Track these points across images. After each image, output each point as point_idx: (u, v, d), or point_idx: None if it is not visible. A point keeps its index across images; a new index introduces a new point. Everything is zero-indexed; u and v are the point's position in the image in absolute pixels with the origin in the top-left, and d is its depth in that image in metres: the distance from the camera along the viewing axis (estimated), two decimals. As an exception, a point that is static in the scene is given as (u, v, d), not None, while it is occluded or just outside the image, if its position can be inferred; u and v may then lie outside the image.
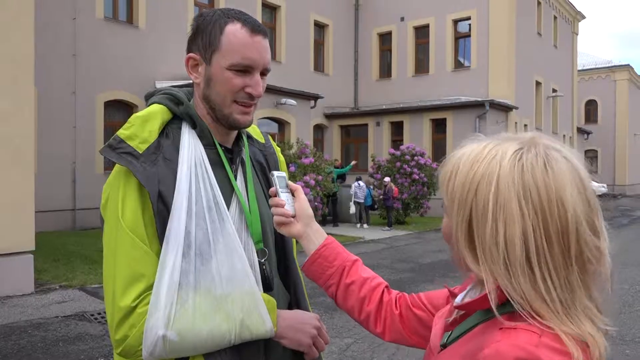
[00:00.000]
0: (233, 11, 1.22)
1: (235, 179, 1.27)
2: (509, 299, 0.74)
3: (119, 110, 13.89)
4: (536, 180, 0.74)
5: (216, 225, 1.17)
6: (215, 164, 1.23)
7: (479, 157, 0.79)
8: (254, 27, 1.20)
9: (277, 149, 1.48)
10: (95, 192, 12.99)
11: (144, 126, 1.17)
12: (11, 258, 6.19)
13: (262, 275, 1.24)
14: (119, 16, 13.88)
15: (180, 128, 1.23)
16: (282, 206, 1.18)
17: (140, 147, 1.14)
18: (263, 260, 1.25)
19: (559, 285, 0.72)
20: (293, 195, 1.24)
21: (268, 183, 1.36)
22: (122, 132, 1.16)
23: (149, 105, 1.25)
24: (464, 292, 0.89)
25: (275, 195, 1.20)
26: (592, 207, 0.75)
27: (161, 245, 1.11)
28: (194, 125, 1.24)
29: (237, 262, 1.17)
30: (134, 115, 1.19)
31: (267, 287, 1.24)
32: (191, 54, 1.22)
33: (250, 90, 1.20)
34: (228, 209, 1.21)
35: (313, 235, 1.20)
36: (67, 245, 9.79)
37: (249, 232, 1.25)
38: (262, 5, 17.79)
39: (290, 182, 1.25)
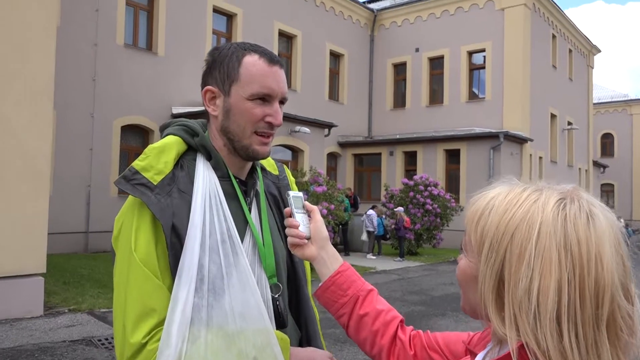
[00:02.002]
0: (248, 44, 1.24)
1: (249, 211, 1.25)
2: (529, 355, 0.69)
3: (136, 134, 14.06)
4: (578, 233, 0.71)
5: (230, 259, 1.14)
6: (230, 196, 1.22)
7: (517, 199, 0.76)
8: (271, 58, 1.21)
9: (292, 180, 1.46)
10: (108, 216, 13.13)
11: (159, 157, 1.16)
12: (22, 280, 6.19)
13: (275, 311, 1.21)
14: (138, 43, 14.17)
15: (195, 160, 1.22)
16: (297, 227, 1.16)
17: (155, 179, 1.13)
18: (277, 296, 1.22)
19: (584, 347, 0.68)
20: (309, 216, 1.20)
21: (281, 216, 1.34)
22: (137, 163, 1.15)
23: (164, 137, 1.24)
24: (484, 351, 0.84)
25: (290, 215, 1.18)
26: (626, 272, 0.73)
27: (173, 279, 1.09)
28: (208, 157, 1.23)
29: (251, 297, 1.14)
30: (149, 147, 1.18)
31: (280, 324, 1.21)
32: (209, 87, 1.23)
33: (271, 119, 1.20)
34: (242, 242, 1.19)
35: (328, 260, 1.16)
36: (78, 268, 9.79)
37: (263, 266, 1.22)
38: (278, 35, 18.09)
39: (306, 203, 1.22)
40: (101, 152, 12.93)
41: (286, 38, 18.70)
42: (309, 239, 1.17)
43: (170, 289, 1.08)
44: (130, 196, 1.14)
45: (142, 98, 13.77)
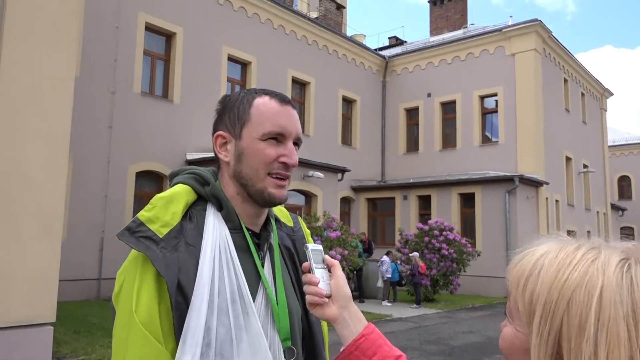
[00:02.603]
0: (259, 89, 1.21)
1: (263, 266, 1.16)
2: None
3: (150, 180, 14.15)
4: None
5: (240, 321, 1.04)
6: (241, 249, 1.13)
7: (571, 259, 0.65)
8: (282, 98, 1.18)
9: (307, 232, 1.36)
10: (122, 262, 13.03)
11: (167, 208, 1.09)
12: (30, 330, 6.06)
13: None
14: (155, 91, 14.46)
15: (205, 210, 1.14)
16: (316, 284, 1.04)
17: (161, 231, 1.05)
18: None
19: None
20: (330, 271, 1.09)
21: (297, 271, 1.25)
22: (142, 214, 1.07)
23: (173, 185, 1.17)
24: None
25: (309, 271, 1.07)
26: None
27: (177, 342, 0.99)
28: (219, 207, 1.15)
29: None
30: (157, 196, 1.11)
31: None
32: (219, 132, 1.18)
33: (285, 159, 1.13)
34: (254, 300, 1.09)
35: (351, 321, 1.04)
36: (89, 317, 9.64)
37: (276, 328, 1.12)
38: (292, 81, 18.38)
39: (327, 257, 1.11)
40: (116, 198, 12.99)
41: (299, 85, 18.99)
42: (329, 297, 1.06)
43: (173, 354, 0.99)
44: (133, 250, 1.06)
45: (157, 144, 13.92)
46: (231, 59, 16.33)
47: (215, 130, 1.19)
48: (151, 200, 1.10)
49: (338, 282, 1.07)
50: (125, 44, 13.46)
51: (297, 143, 1.18)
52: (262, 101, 1.16)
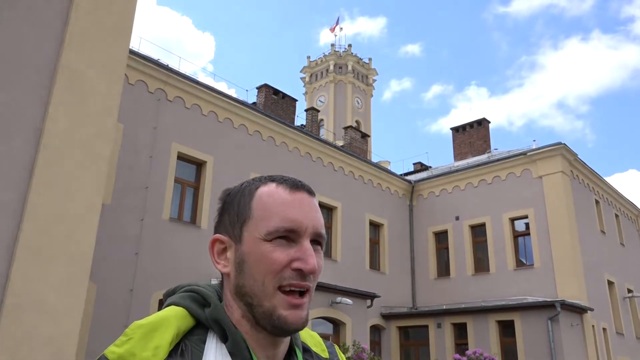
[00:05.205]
0: (265, 176, 0.96)
1: None
2: None
3: (173, 308, 13.74)
4: None
5: None
6: None
7: None
8: (293, 184, 0.92)
9: None
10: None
11: (147, 340, 0.80)
12: None
13: None
14: (183, 217, 14.61)
15: (204, 341, 0.85)
16: None
17: None
18: None
19: None
20: None
21: None
22: (112, 351, 0.80)
23: (165, 307, 0.90)
24: None
25: None
26: None
27: None
28: (224, 337, 0.86)
29: None
30: (134, 324, 0.83)
31: None
32: (216, 236, 0.92)
33: (300, 265, 0.84)
34: None
35: None
36: None
37: None
38: (319, 206, 18.46)
39: None
40: (137, 327, 12.53)
41: (326, 209, 19.06)
42: None
43: None
44: None
45: (183, 270, 13.73)
46: (259, 185, 16.65)
47: (215, 233, 0.95)
48: (126, 330, 0.82)
49: None
50: (158, 172, 13.91)
51: (318, 241, 0.90)
52: (266, 190, 0.90)
